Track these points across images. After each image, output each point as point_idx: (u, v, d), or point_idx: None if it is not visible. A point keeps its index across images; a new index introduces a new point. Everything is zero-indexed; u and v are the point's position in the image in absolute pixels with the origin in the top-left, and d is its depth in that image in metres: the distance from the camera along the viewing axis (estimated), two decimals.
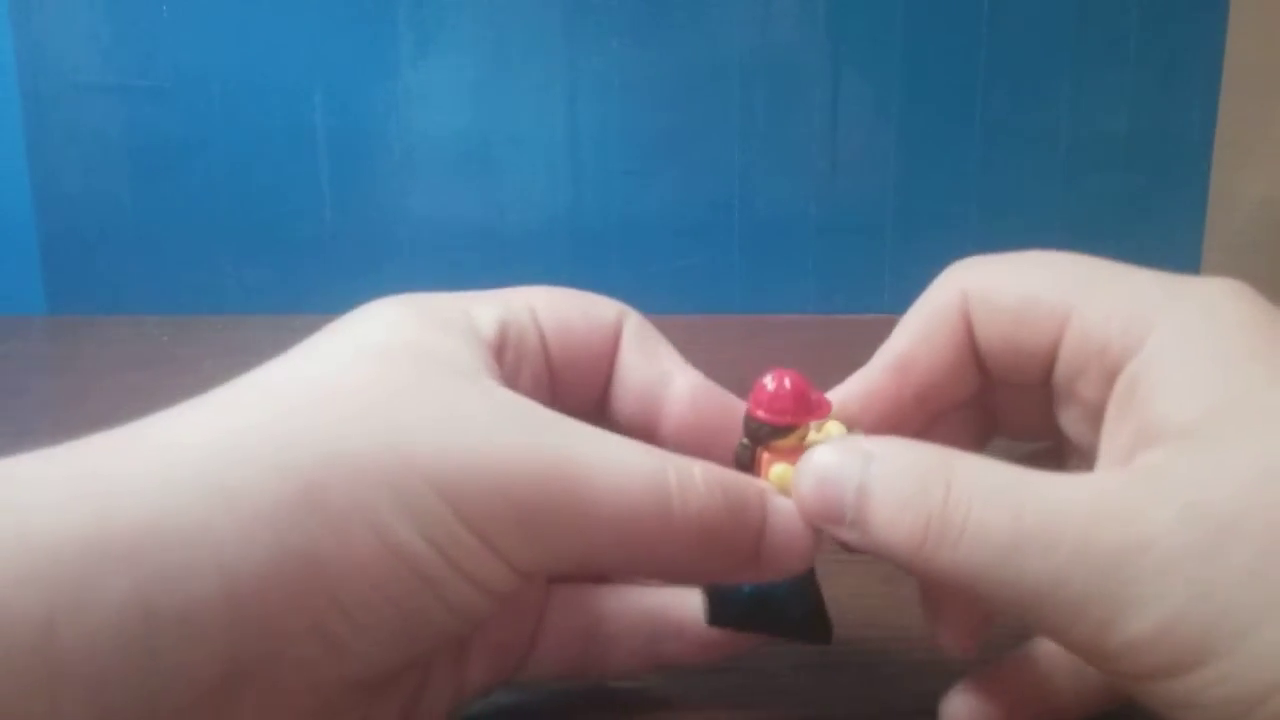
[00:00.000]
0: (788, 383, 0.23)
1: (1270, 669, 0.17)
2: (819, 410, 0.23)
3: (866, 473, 0.20)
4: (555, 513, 0.20)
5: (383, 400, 0.21)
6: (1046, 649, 0.25)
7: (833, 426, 0.24)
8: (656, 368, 0.26)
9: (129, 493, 0.18)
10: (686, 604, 0.26)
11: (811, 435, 0.23)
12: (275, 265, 0.80)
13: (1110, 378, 0.22)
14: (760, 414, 0.23)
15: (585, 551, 0.21)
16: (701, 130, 0.83)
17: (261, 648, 0.18)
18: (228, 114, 0.78)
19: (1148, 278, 0.23)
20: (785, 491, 0.22)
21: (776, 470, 0.23)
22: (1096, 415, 0.23)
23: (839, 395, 0.25)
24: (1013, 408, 0.27)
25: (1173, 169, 0.86)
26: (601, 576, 0.27)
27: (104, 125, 0.77)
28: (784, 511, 0.22)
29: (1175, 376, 0.20)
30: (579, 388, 0.26)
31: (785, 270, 0.85)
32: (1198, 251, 0.85)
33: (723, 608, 0.25)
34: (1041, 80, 0.84)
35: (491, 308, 0.25)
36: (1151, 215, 0.85)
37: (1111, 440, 0.22)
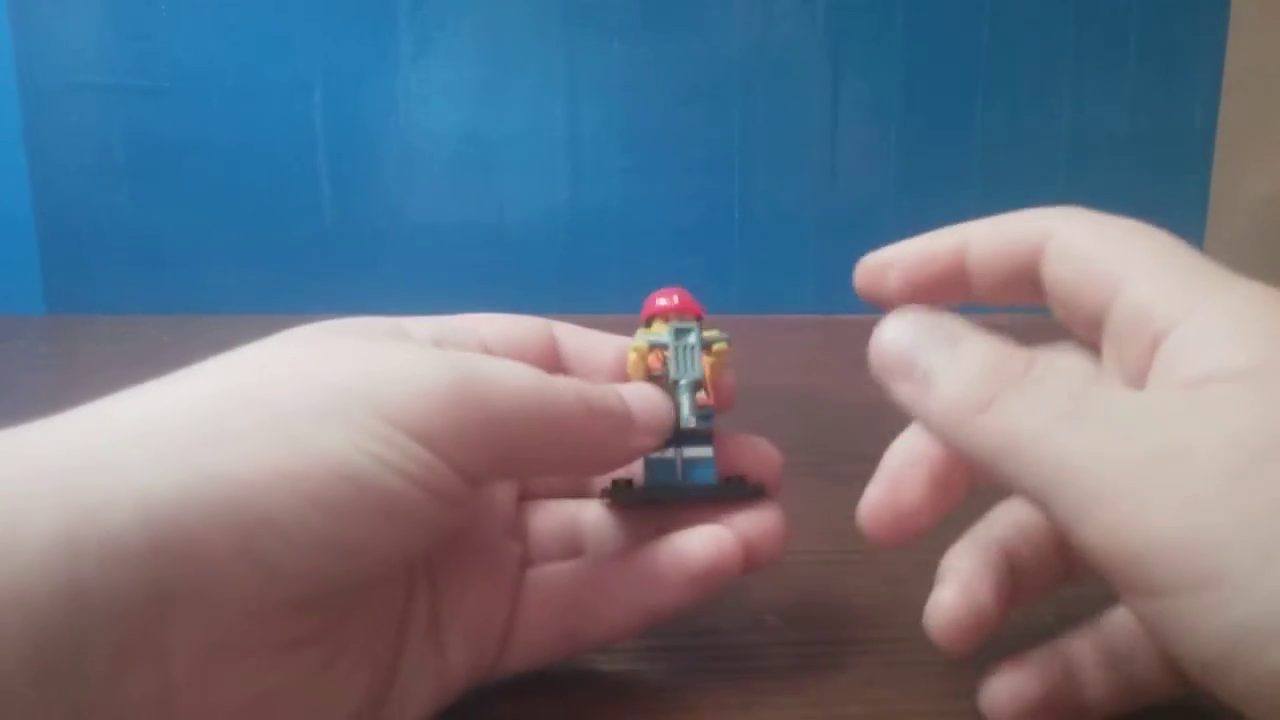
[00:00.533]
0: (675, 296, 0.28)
1: None
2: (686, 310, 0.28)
3: (955, 346, 0.23)
4: (477, 411, 0.22)
5: (298, 349, 0.23)
6: (1077, 645, 0.25)
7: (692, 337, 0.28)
8: (607, 350, 0.29)
9: (55, 443, 0.19)
10: (668, 545, 0.27)
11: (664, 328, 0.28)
12: (274, 265, 0.80)
13: (1152, 346, 0.22)
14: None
15: (506, 443, 0.23)
16: (702, 130, 0.82)
17: (185, 570, 0.18)
18: (227, 113, 0.78)
19: (1204, 266, 0.23)
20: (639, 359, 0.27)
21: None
22: (1137, 378, 0.23)
23: (896, 249, 0.27)
24: None
25: (1174, 167, 0.86)
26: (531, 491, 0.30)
27: (103, 125, 0.77)
28: (633, 386, 0.26)
29: (1225, 336, 0.20)
30: None
31: (785, 270, 0.85)
32: (1199, 250, 0.85)
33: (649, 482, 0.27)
34: (1042, 79, 0.84)
35: (425, 322, 0.27)
36: (1152, 214, 0.85)
37: None
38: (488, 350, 0.28)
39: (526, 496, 0.29)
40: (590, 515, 0.29)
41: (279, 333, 0.24)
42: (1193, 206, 0.86)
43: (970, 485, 0.27)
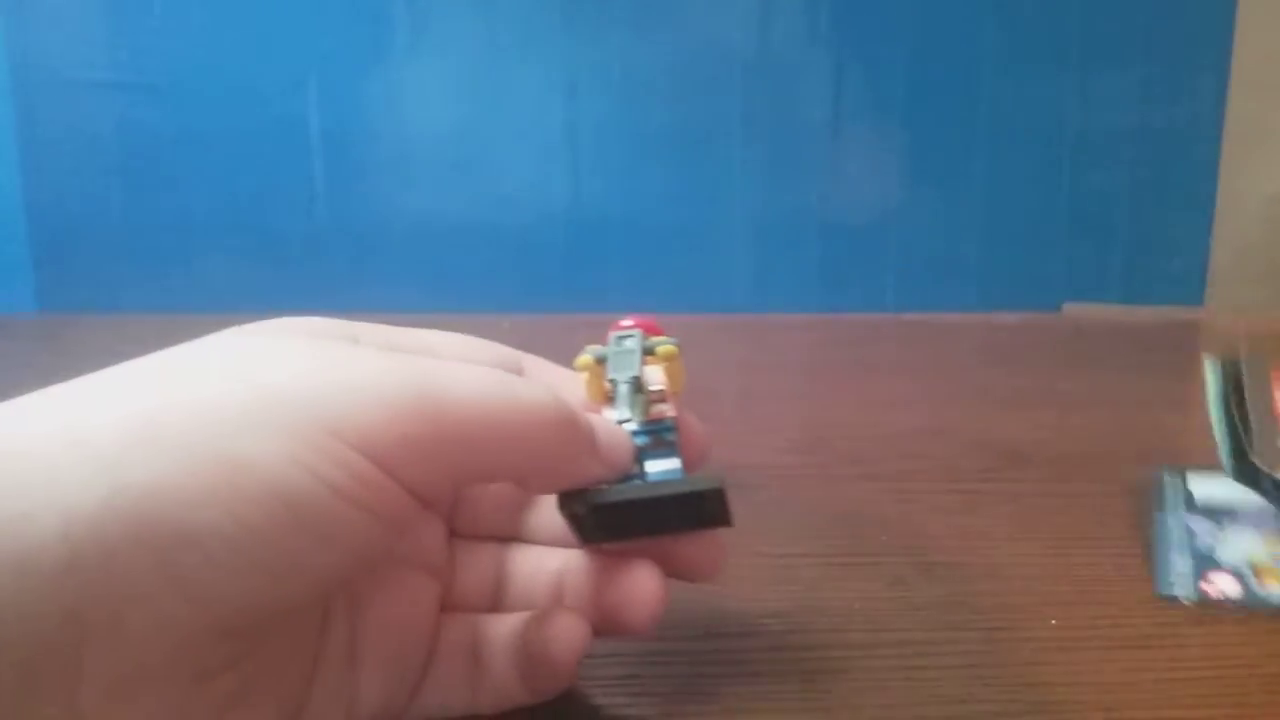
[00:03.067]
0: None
1: None
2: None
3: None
4: (435, 423, 0.21)
5: (240, 349, 0.21)
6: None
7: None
8: (566, 386, 0.28)
9: None
10: (548, 625, 0.25)
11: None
12: (268, 262, 0.80)
13: None
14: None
15: (462, 456, 0.22)
16: (703, 126, 0.82)
17: (103, 591, 0.17)
18: (220, 110, 0.77)
19: None
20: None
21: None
22: None
23: None
24: None
25: (1180, 165, 0.86)
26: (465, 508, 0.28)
27: (95, 122, 0.76)
28: (599, 418, 0.25)
29: None
30: None
31: (788, 269, 0.84)
32: (1205, 248, 0.85)
33: (595, 518, 0.25)
34: (1048, 77, 0.84)
35: (378, 330, 0.26)
36: (1159, 212, 0.85)
37: None
38: None
39: (455, 535, 0.28)
40: (517, 566, 0.28)
41: (227, 330, 0.23)
42: (1199, 204, 0.86)
43: None
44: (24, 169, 0.76)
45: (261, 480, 0.18)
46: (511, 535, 0.28)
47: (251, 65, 0.77)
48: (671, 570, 0.26)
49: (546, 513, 0.27)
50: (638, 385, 0.26)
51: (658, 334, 0.27)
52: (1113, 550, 0.34)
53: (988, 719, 0.25)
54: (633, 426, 0.25)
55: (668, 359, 0.26)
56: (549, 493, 0.25)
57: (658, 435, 0.25)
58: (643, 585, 0.25)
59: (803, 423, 0.49)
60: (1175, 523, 0.34)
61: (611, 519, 0.25)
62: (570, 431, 0.23)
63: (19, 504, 0.17)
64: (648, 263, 0.82)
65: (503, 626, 0.26)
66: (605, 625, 0.26)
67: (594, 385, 0.26)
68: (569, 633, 0.25)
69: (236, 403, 0.19)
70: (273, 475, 0.19)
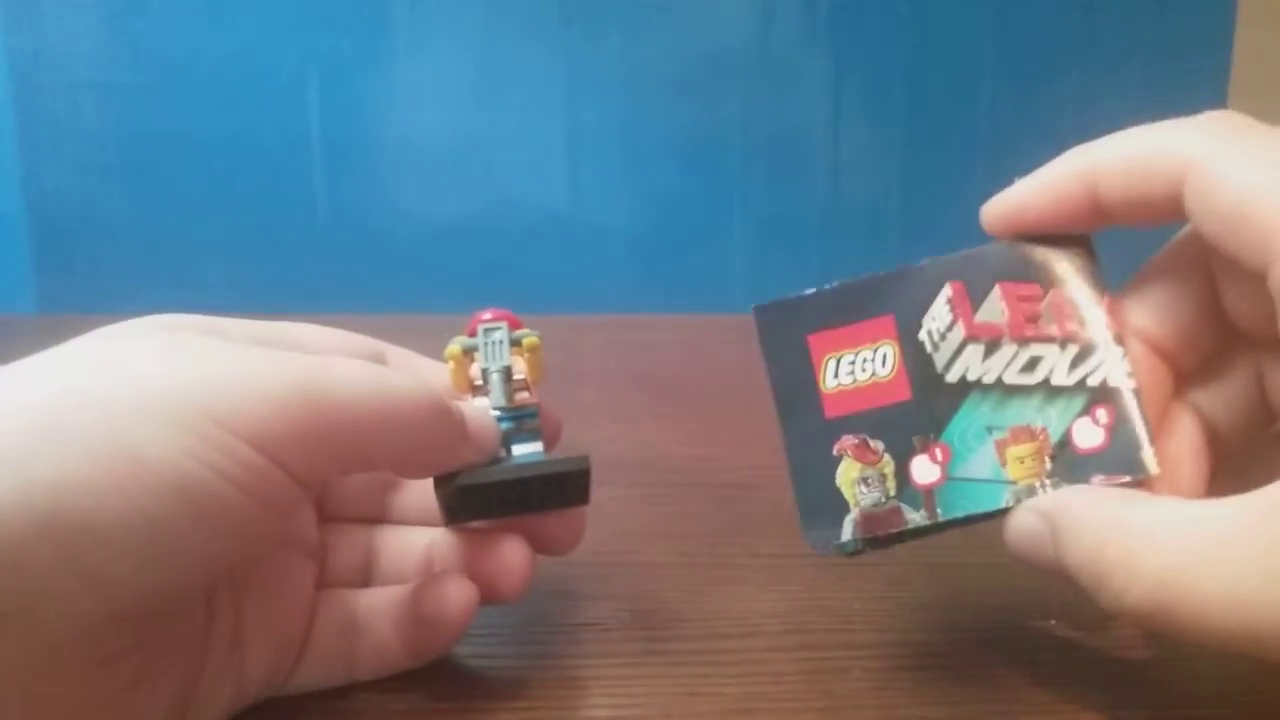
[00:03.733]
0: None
1: None
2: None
3: (1056, 540, 0.23)
4: (321, 414, 0.22)
5: (133, 355, 0.22)
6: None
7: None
8: (427, 374, 0.29)
9: None
10: (440, 586, 0.27)
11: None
12: (268, 262, 0.80)
13: None
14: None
15: (347, 445, 0.23)
16: (703, 127, 0.82)
17: (13, 584, 0.18)
18: (220, 110, 0.77)
19: None
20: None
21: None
22: None
23: (1022, 191, 0.26)
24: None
25: None
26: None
27: (95, 122, 0.76)
28: (467, 404, 0.26)
29: None
30: None
31: (787, 269, 0.84)
32: None
33: (467, 498, 0.26)
34: (1047, 77, 0.84)
35: (246, 325, 0.27)
36: None
37: None
38: None
39: (325, 519, 0.29)
40: (385, 544, 0.29)
41: (105, 328, 0.24)
42: None
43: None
44: (24, 169, 0.76)
45: (161, 473, 0.19)
46: (378, 517, 0.30)
47: (251, 65, 0.77)
48: (533, 545, 0.27)
49: (412, 494, 0.30)
50: (508, 374, 0.28)
51: (519, 327, 0.29)
52: None
53: (988, 718, 0.25)
54: (498, 413, 0.27)
55: (531, 350, 0.28)
56: (423, 477, 0.26)
57: (522, 420, 0.27)
58: (512, 557, 0.27)
59: None
60: None
61: (482, 498, 0.26)
62: (445, 420, 0.24)
63: None
64: (648, 263, 0.82)
65: (380, 598, 0.28)
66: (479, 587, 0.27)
67: (459, 374, 0.28)
68: (461, 592, 0.26)
69: (130, 397, 0.20)
70: (172, 467, 0.19)
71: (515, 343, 0.28)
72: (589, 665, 0.28)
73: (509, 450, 0.27)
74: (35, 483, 0.18)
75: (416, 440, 0.24)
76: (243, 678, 0.25)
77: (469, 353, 0.28)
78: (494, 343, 0.28)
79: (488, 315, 0.29)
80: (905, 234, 0.83)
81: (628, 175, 0.82)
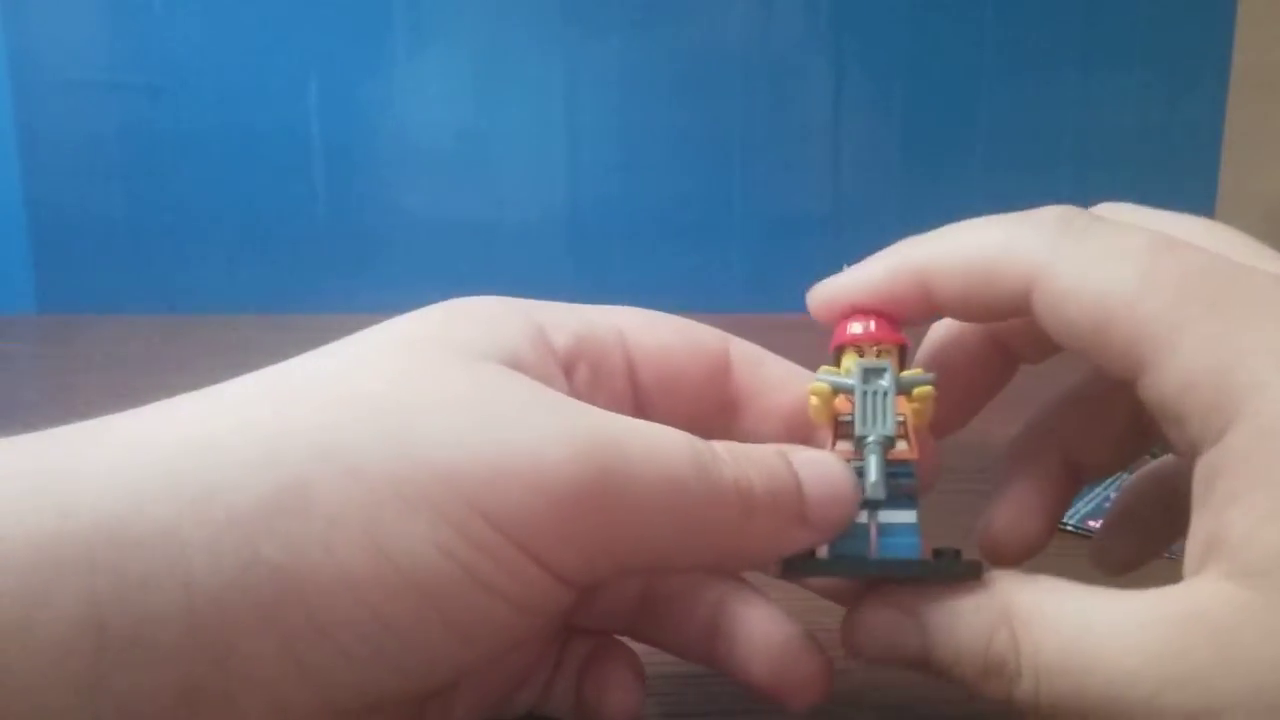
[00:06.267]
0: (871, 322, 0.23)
1: None
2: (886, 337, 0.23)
3: (926, 635, 0.20)
4: (600, 501, 0.18)
5: (394, 391, 0.18)
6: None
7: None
8: (794, 387, 0.24)
9: (90, 492, 0.16)
10: (602, 675, 0.24)
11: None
12: (268, 264, 0.79)
13: (1190, 449, 0.19)
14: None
15: (635, 542, 0.19)
16: (702, 125, 0.82)
17: (221, 670, 0.16)
18: (221, 110, 0.77)
19: (1252, 314, 0.18)
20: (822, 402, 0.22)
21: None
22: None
23: (849, 282, 0.24)
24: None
25: (1180, 166, 0.86)
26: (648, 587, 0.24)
27: (96, 122, 0.76)
28: (816, 460, 0.21)
29: (1253, 497, 0.17)
30: (674, 417, 0.22)
31: (788, 268, 0.84)
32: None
33: (794, 569, 0.22)
34: (1048, 76, 0.84)
35: (568, 317, 0.23)
36: None
37: (1195, 526, 0.19)
38: (634, 374, 0.23)
39: None
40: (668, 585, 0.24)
41: (380, 330, 0.20)
42: (1200, 207, 0.86)
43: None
44: (24, 169, 0.76)
45: (403, 571, 0.16)
46: None
47: (251, 65, 0.77)
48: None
49: None
50: (890, 444, 0.21)
51: (897, 340, 0.23)
52: None
53: (988, 718, 0.25)
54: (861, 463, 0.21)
55: (921, 401, 0.22)
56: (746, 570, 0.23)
57: (894, 481, 0.21)
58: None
59: None
60: None
61: (828, 572, 0.22)
62: (766, 518, 0.20)
63: (137, 564, 0.15)
64: (648, 263, 0.82)
65: (579, 651, 0.24)
66: (755, 683, 0.23)
67: (823, 411, 0.22)
68: (623, 689, 0.23)
69: (380, 461, 0.17)
70: (420, 567, 0.17)
71: (903, 390, 0.22)
72: None
73: (874, 518, 0.21)
74: (261, 563, 0.16)
75: (725, 543, 0.20)
76: None
77: (838, 393, 0.22)
78: (875, 394, 0.21)
79: (860, 328, 0.22)
80: (905, 234, 0.83)
81: (628, 175, 0.82)
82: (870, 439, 0.21)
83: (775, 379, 0.25)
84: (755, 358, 0.25)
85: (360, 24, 0.78)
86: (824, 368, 0.23)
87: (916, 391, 0.22)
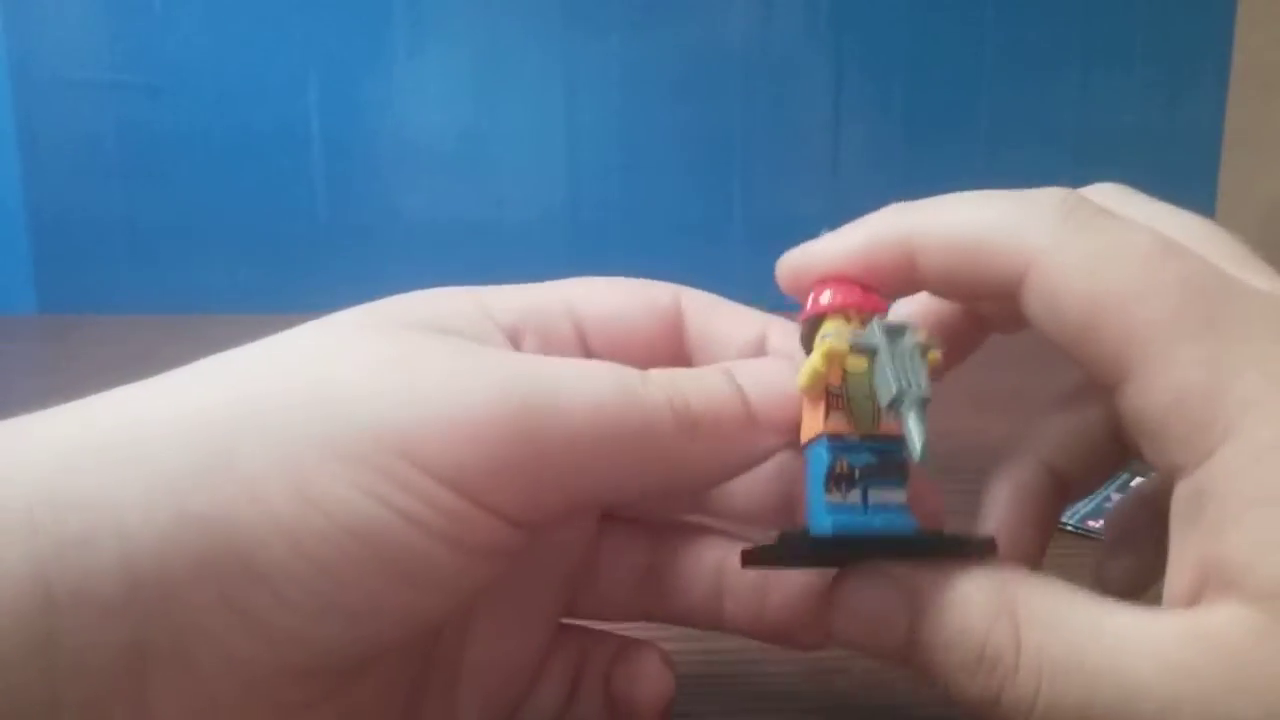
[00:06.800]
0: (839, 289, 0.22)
1: None
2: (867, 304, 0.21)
3: (916, 615, 0.19)
4: (526, 435, 0.18)
5: (317, 360, 0.19)
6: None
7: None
8: (747, 330, 0.24)
9: (30, 463, 0.16)
10: (632, 664, 0.24)
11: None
12: (268, 264, 0.79)
13: (1168, 465, 0.18)
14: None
15: (574, 474, 0.19)
16: (702, 125, 0.82)
17: (166, 623, 0.16)
18: (220, 110, 0.77)
19: (1245, 328, 0.18)
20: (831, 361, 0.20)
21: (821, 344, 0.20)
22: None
23: (827, 249, 0.22)
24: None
25: (1180, 166, 0.86)
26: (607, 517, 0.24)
27: (96, 122, 0.76)
28: (758, 367, 0.21)
29: (1253, 517, 0.17)
30: None
31: None
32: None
33: (804, 552, 0.20)
34: (1048, 76, 0.84)
35: (512, 294, 0.23)
36: None
37: (1180, 548, 0.19)
38: (585, 342, 0.23)
39: (609, 515, 0.24)
40: (671, 559, 0.23)
41: (311, 322, 0.20)
42: (1200, 206, 0.86)
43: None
44: (24, 169, 0.76)
45: (331, 515, 0.17)
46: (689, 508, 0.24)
47: (251, 65, 0.77)
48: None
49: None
50: (927, 403, 0.19)
51: (881, 309, 0.21)
52: None
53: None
54: (855, 438, 0.20)
55: (931, 365, 0.20)
56: (708, 490, 0.22)
57: (886, 456, 0.20)
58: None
59: None
60: None
61: (824, 553, 0.20)
62: (710, 432, 0.19)
63: (75, 526, 0.16)
64: (648, 262, 0.82)
65: (603, 655, 0.24)
66: (770, 633, 0.23)
67: (820, 380, 0.20)
68: (653, 679, 0.23)
69: (313, 423, 0.17)
70: (349, 510, 0.17)
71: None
72: None
73: (865, 497, 0.20)
74: (190, 516, 0.16)
75: (668, 464, 0.19)
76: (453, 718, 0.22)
77: (861, 354, 0.20)
78: (904, 353, 0.19)
79: (842, 296, 0.21)
80: None
81: (628, 175, 0.82)
82: (908, 399, 0.19)
83: (727, 324, 0.24)
84: (707, 306, 0.25)
85: (360, 23, 0.78)
86: (831, 326, 0.21)
87: (930, 356, 0.20)
